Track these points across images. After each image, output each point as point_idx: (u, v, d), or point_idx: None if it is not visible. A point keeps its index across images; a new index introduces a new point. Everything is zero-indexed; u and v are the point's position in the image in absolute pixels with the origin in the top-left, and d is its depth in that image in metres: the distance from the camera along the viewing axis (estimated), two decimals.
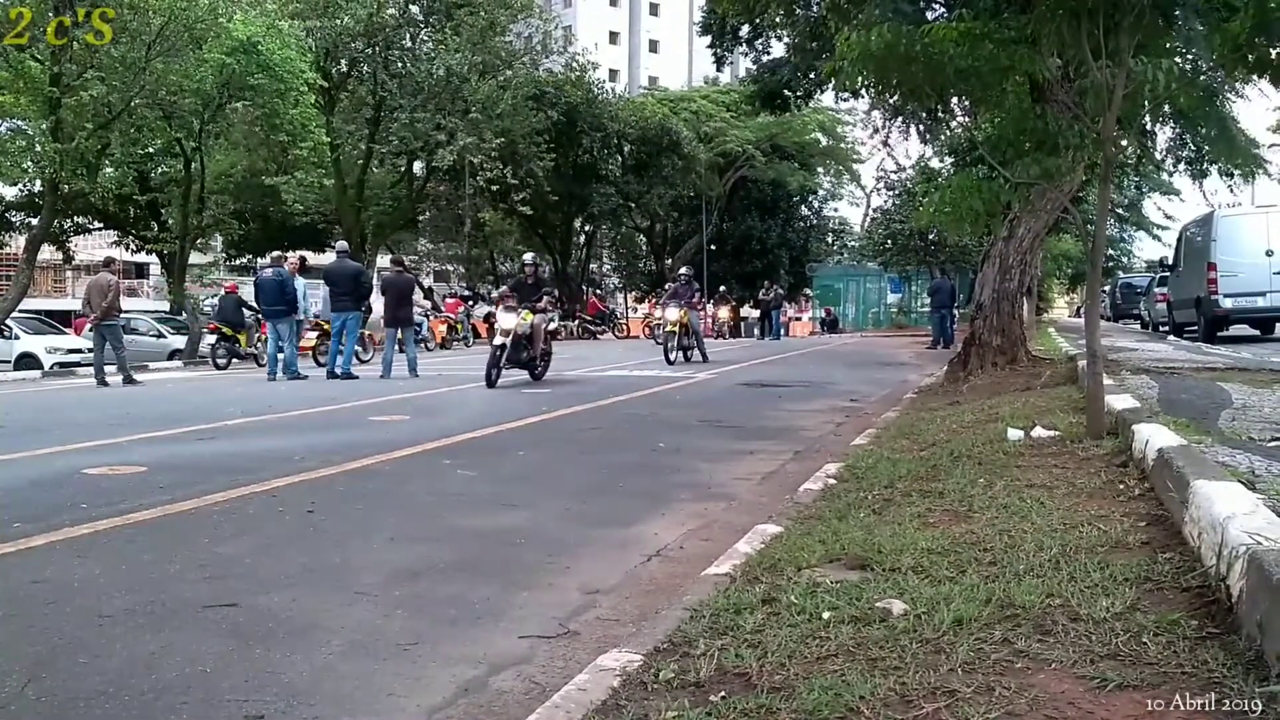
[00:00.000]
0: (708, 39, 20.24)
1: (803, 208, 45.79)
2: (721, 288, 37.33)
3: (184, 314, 24.05)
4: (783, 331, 33.93)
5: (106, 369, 14.16)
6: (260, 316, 16.10)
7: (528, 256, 13.35)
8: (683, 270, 18.41)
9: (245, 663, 2.77)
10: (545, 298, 12.39)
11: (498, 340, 11.70)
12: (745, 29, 18.39)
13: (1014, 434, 5.46)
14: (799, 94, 18.84)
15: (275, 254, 16.59)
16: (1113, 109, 4.98)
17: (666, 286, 17.92)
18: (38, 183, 22.99)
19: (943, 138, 19.85)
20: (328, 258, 18.49)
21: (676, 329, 16.14)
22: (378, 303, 16.30)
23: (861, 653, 2.36)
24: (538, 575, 3.71)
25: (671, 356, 15.79)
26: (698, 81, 50.19)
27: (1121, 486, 3.84)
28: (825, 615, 2.64)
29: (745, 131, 38.03)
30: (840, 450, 6.40)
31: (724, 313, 32.57)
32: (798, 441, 7.31)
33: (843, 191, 46.97)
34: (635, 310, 44.33)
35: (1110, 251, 31.60)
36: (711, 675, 2.33)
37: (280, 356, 14.21)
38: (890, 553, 3.20)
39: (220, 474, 5.67)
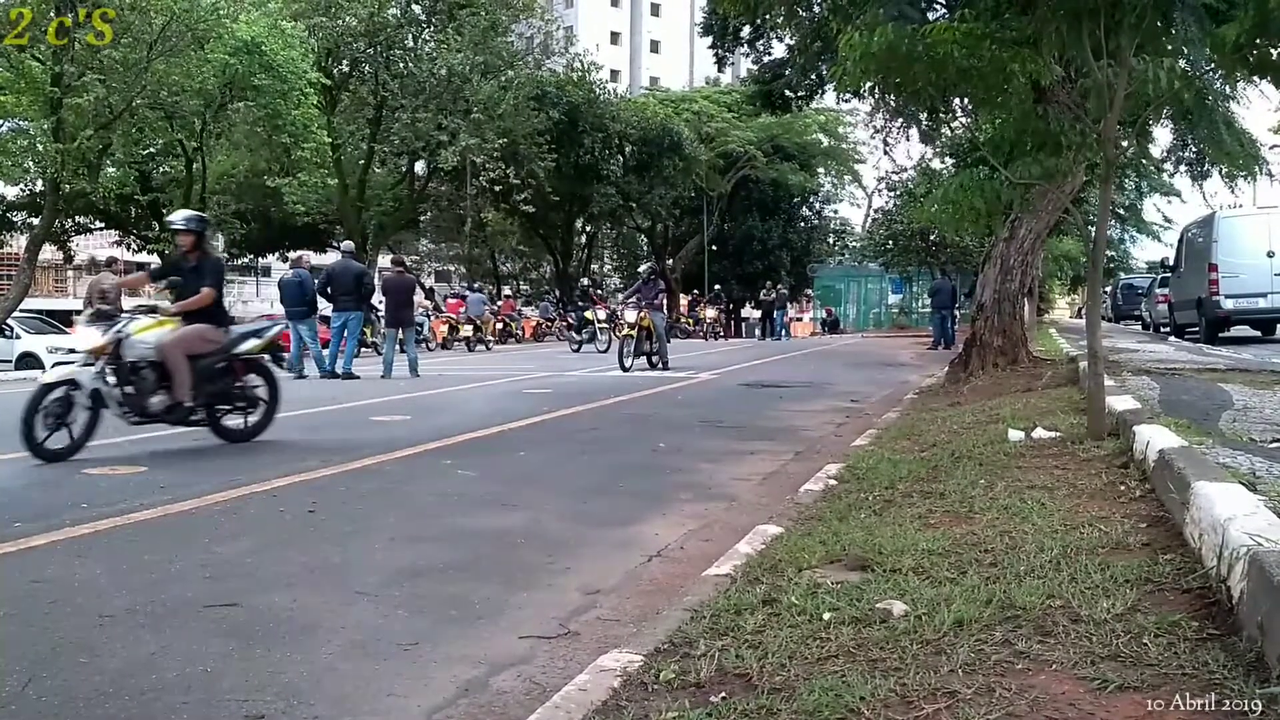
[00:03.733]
0: (709, 39, 20.24)
1: (804, 208, 45.81)
2: (716, 286, 37.33)
3: None
4: (784, 332, 33.81)
5: None
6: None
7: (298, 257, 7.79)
8: (644, 267, 17.75)
9: (246, 662, 2.77)
10: None
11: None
12: (746, 29, 18.37)
13: (1015, 435, 5.46)
14: (800, 94, 18.83)
15: (295, 255, 16.72)
16: (1114, 109, 4.98)
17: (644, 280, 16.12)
18: (39, 183, 23.01)
19: (943, 138, 19.86)
20: (329, 258, 18.52)
21: (635, 333, 14.48)
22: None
23: (862, 654, 2.36)
24: (538, 575, 3.71)
25: (627, 363, 14.14)
26: (699, 82, 50.22)
27: (1122, 488, 3.84)
28: (826, 616, 2.64)
29: (746, 132, 38.04)
30: (841, 451, 6.40)
31: (711, 312, 32.58)
32: (798, 442, 7.30)
33: (844, 193, 47.01)
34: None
35: (1110, 253, 31.60)
36: (712, 676, 2.33)
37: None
38: (891, 554, 3.20)
39: (220, 474, 5.68)
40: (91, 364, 6.38)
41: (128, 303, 7.64)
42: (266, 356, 7.36)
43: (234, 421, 7.17)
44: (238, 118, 22.51)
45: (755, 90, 21.24)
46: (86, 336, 6.50)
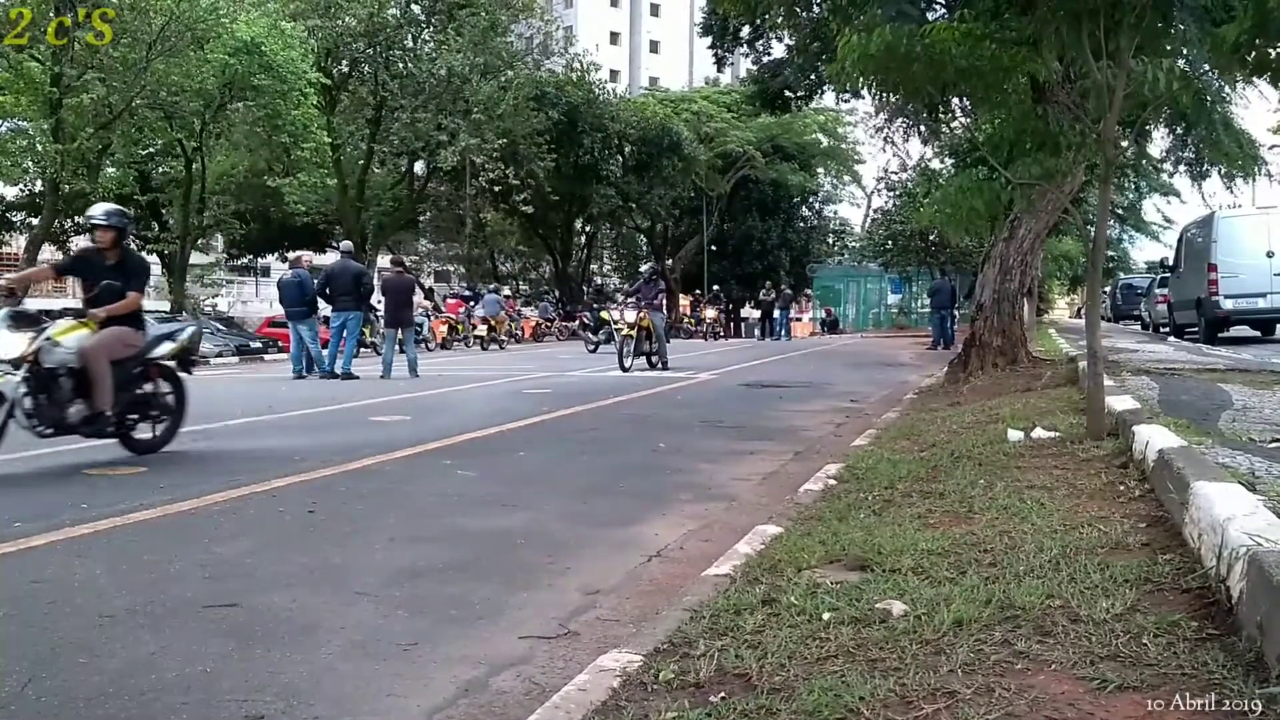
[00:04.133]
0: (708, 40, 20.25)
1: (803, 208, 45.81)
2: (715, 287, 37.34)
3: (184, 314, 24.10)
4: (784, 332, 33.68)
5: None
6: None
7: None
8: (645, 267, 17.83)
9: (245, 663, 2.77)
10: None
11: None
12: (746, 30, 18.39)
13: (1014, 435, 5.46)
14: (800, 94, 18.85)
15: (295, 255, 16.83)
16: (1114, 109, 4.98)
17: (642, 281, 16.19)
18: (39, 183, 23.04)
19: (942, 138, 19.90)
20: (329, 258, 18.59)
21: (635, 333, 14.48)
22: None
23: (861, 654, 2.36)
24: (538, 575, 3.71)
25: (627, 363, 14.20)
26: (698, 82, 50.23)
27: (1122, 488, 3.84)
28: (825, 616, 2.64)
29: (746, 132, 38.07)
30: (840, 451, 6.40)
31: (710, 313, 32.58)
32: (798, 442, 7.30)
33: (843, 193, 47.05)
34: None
35: (1110, 253, 31.63)
36: (711, 676, 2.33)
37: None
38: (890, 554, 3.20)
39: (220, 474, 5.67)
40: (14, 373, 5.71)
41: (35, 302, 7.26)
42: (175, 362, 6.77)
43: (143, 432, 6.55)
44: (237, 118, 22.54)
45: (755, 90, 21.27)
46: (9, 343, 5.78)
